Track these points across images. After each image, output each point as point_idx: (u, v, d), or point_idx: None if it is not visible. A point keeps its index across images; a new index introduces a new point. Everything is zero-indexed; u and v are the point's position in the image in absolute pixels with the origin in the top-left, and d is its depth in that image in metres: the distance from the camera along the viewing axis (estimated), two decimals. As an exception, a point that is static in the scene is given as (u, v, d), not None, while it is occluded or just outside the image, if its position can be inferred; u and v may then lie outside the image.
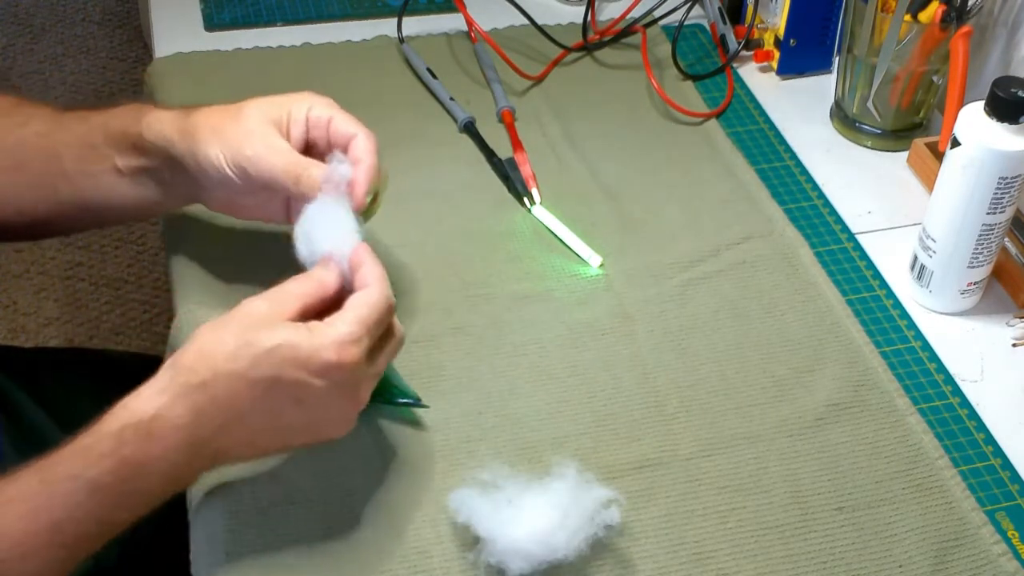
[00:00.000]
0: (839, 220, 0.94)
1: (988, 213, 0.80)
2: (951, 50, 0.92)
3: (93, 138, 0.77)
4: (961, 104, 0.87)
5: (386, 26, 1.11)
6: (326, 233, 0.69)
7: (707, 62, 1.11)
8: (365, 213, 0.72)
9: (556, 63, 1.08)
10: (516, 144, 0.97)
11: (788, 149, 1.01)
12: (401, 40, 1.08)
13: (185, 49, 1.07)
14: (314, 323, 0.63)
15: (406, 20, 1.10)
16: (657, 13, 1.11)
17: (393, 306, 0.65)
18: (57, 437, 0.61)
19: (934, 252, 0.84)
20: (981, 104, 0.78)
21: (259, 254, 0.84)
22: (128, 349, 1.83)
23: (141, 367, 0.65)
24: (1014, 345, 0.85)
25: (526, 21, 1.09)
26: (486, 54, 1.07)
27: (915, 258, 0.86)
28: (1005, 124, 0.77)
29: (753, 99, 1.07)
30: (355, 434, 0.68)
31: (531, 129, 1.00)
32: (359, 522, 0.69)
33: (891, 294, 0.88)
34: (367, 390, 0.66)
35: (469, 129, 0.99)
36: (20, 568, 0.59)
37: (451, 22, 1.12)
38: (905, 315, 0.86)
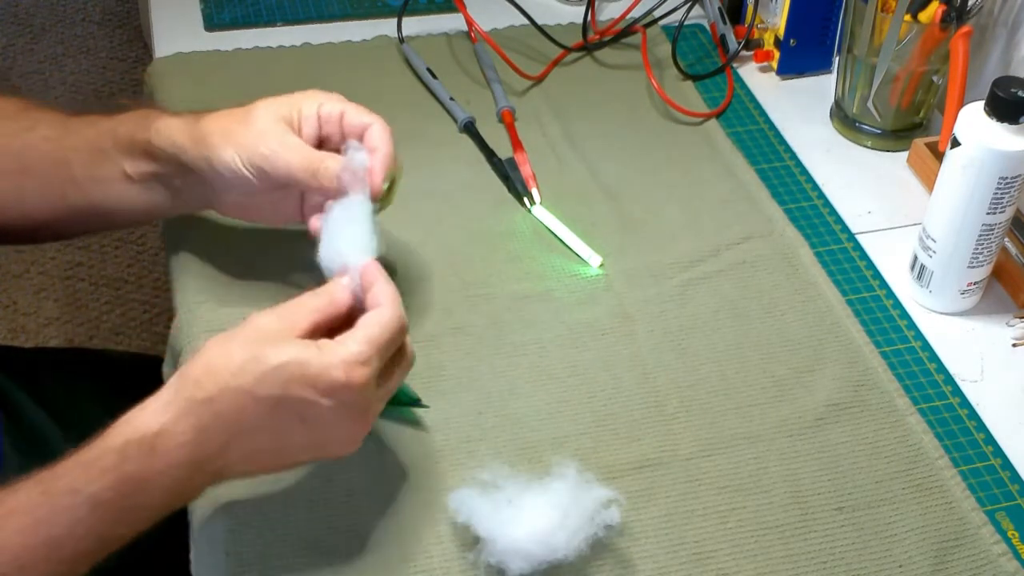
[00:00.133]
0: (839, 220, 0.94)
1: (988, 213, 0.80)
2: (951, 50, 0.92)
3: (102, 143, 0.76)
4: (961, 104, 0.87)
5: (386, 26, 1.11)
6: (346, 244, 0.68)
7: (707, 62, 1.11)
8: (382, 201, 0.73)
9: (556, 63, 1.08)
10: (516, 144, 0.97)
11: (788, 149, 1.01)
12: (401, 40, 1.08)
13: (185, 49, 1.07)
14: (324, 341, 0.61)
15: (406, 20, 1.10)
16: (657, 13, 1.11)
17: (405, 327, 0.64)
18: (57, 437, 0.61)
19: (934, 252, 0.84)
20: (981, 104, 0.78)
21: (259, 254, 0.85)
22: (128, 349, 1.83)
23: (141, 367, 0.65)
24: (1014, 345, 0.85)
25: (526, 21, 1.09)
26: (486, 54, 1.07)
27: (915, 258, 0.86)
28: (1005, 124, 0.77)
29: (753, 99, 1.07)
30: (355, 434, 0.68)
31: (531, 129, 1.00)
32: (359, 522, 0.69)
33: (891, 294, 0.88)
34: (376, 411, 0.65)
35: (469, 129, 0.99)
36: None
37: (451, 22, 1.12)
38: (905, 315, 0.86)
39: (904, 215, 0.95)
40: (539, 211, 0.91)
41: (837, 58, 1.07)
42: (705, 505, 0.71)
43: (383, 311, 0.63)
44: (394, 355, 0.64)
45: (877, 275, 0.89)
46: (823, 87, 1.09)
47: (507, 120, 1.00)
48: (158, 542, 0.64)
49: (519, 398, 0.77)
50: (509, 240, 0.89)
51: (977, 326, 0.86)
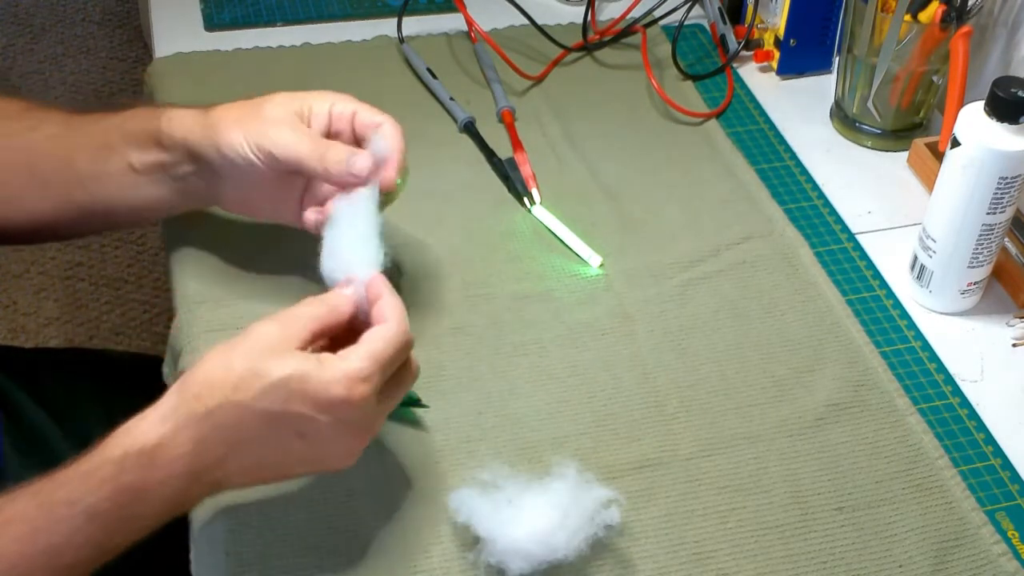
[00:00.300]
0: (839, 220, 0.94)
1: (988, 213, 0.80)
2: (951, 50, 0.92)
3: (109, 137, 0.77)
4: (961, 104, 0.87)
5: (386, 26, 1.12)
6: (352, 254, 0.68)
7: (707, 62, 1.11)
8: (386, 196, 0.73)
9: (556, 63, 1.08)
10: (516, 144, 0.97)
11: (788, 149, 1.01)
12: (401, 40, 1.08)
13: (185, 49, 1.07)
14: (326, 355, 0.61)
15: (406, 20, 1.10)
16: (657, 13, 1.11)
17: (411, 343, 0.64)
18: (57, 437, 0.61)
19: (934, 252, 0.84)
20: (981, 104, 0.78)
21: (260, 253, 0.85)
22: (128, 349, 1.83)
23: (141, 367, 0.65)
24: (1014, 345, 0.85)
25: (526, 21, 1.09)
26: (486, 54, 1.07)
27: (915, 258, 0.86)
28: (1005, 124, 0.77)
29: (753, 99, 1.07)
30: (355, 434, 0.68)
31: (531, 129, 1.00)
32: (359, 522, 0.69)
33: (891, 294, 0.88)
34: (376, 427, 0.64)
35: (469, 129, 0.99)
36: None
37: (451, 22, 1.12)
38: (905, 315, 0.86)
39: (904, 215, 0.95)
40: (539, 211, 0.91)
41: (837, 58, 1.07)
42: (705, 505, 0.71)
43: (388, 327, 0.62)
44: (398, 370, 0.64)
45: (877, 275, 0.89)
46: (823, 87, 1.09)
47: (507, 120, 1.00)
48: (158, 542, 0.64)
49: (519, 398, 0.77)
50: (509, 240, 0.89)
51: (977, 326, 0.86)
